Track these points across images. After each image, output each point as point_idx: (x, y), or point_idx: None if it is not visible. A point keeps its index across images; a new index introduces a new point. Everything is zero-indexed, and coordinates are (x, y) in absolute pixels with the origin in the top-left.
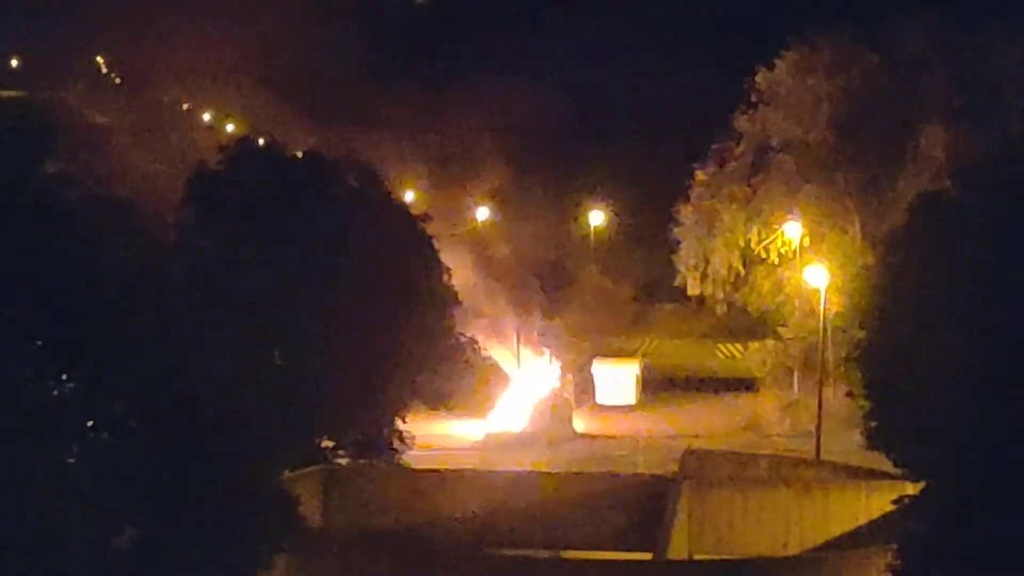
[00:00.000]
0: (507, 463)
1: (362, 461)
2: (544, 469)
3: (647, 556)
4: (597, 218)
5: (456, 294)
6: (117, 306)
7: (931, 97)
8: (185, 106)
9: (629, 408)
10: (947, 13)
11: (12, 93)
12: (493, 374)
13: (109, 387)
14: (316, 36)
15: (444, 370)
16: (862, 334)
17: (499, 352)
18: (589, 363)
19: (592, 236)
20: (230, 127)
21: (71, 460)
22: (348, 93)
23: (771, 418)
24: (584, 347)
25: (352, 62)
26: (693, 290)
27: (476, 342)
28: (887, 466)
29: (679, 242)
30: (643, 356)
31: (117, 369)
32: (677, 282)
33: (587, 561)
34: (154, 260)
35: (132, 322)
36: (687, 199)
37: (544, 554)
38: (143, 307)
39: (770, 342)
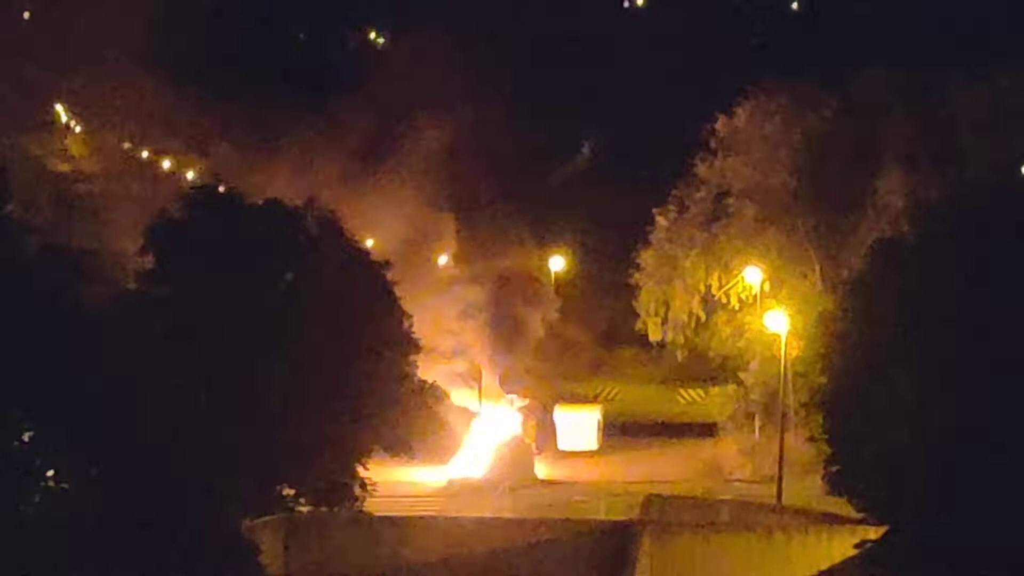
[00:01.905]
0: (469, 510)
1: (323, 509)
2: (506, 516)
3: None
4: (558, 264)
5: (417, 341)
6: (77, 354)
7: (889, 143)
8: (145, 154)
9: (591, 454)
10: (904, 59)
11: None
12: (455, 419)
13: (69, 436)
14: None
15: (405, 417)
16: (823, 379)
17: (461, 397)
18: (550, 408)
19: (553, 282)
20: (191, 175)
21: (32, 510)
22: (301, 142)
23: (732, 463)
24: (546, 392)
25: (304, 110)
26: (654, 335)
27: (438, 388)
28: (849, 511)
29: (640, 288)
30: (604, 401)
31: (77, 417)
32: (638, 327)
33: None
34: (114, 308)
35: (92, 370)
36: (648, 245)
37: None
38: (102, 355)
39: (731, 387)
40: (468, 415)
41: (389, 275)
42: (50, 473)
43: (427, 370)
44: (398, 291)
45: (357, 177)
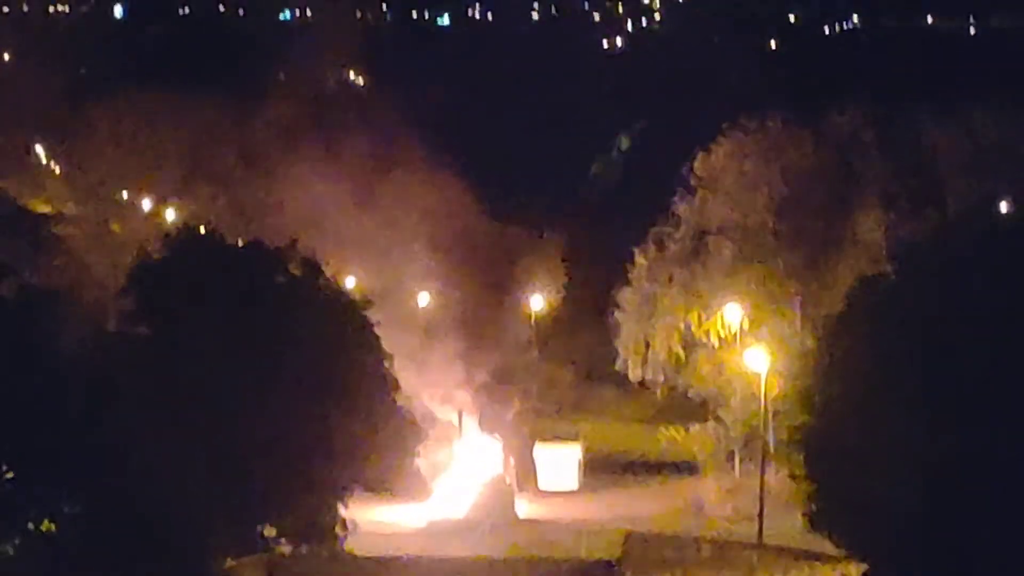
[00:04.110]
0: (450, 549)
1: (304, 548)
2: (487, 555)
3: None
4: (538, 303)
5: (397, 380)
6: (55, 395)
7: (868, 180)
8: (125, 194)
9: (571, 492)
10: (880, 96)
11: None
12: (436, 459)
13: (49, 477)
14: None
15: (386, 456)
16: (803, 417)
17: (441, 436)
18: (531, 447)
19: (533, 320)
20: (171, 216)
21: (13, 551)
22: (285, 180)
23: (713, 501)
24: (526, 431)
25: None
26: (634, 374)
27: (418, 427)
28: (829, 548)
29: (620, 326)
30: (585, 440)
31: (56, 458)
32: (618, 366)
33: None
34: (94, 349)
35: (71, 411)
36: (627, 283)
37: None
38: (82, 396)
39: (711, 425)
40: (448, 454)
41: (369, 314)
42: (31, 514)
43: (407, 409)
44: (378, 331)
45: (340, 218)
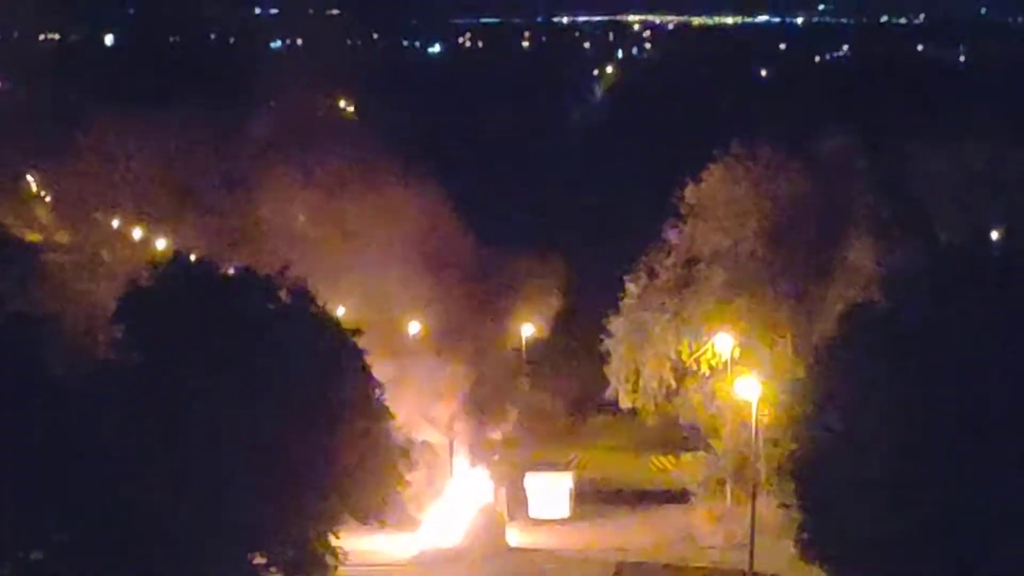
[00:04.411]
0: None
1: None
2: None
3: None
4: (529, 330)
5: (388, 408)
6: (45, 423)
7: (858, 208)
8: (115, 223)
9: (562, 521)
10: (871, 124)
11: None
12: (427, 488)
13: (38, 505)
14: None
15: (376, 485)
16: (794, 445)
17: (433, 465)
18: (522, 476)
19: (524, 349)
20: (161, 244)
21: None
22: (275, 207)
23: (704, 530)
24: (517, 460)
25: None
26: (625, 402)
27: (409, 457)
28: None
29: (611, 354)
30: (576, 468)
31: (46, 485)
32: (609, 394)
33: None
34: (84, 377)
35: (61, 439)
36: (618, 311)
37: None
38: (72, 423)
39: (702, 454)
40: (440, 483)
41: (359, 342)
42: (21, 543)
43: (397, 438)
44: (368, 358)
45: (330, 245)
